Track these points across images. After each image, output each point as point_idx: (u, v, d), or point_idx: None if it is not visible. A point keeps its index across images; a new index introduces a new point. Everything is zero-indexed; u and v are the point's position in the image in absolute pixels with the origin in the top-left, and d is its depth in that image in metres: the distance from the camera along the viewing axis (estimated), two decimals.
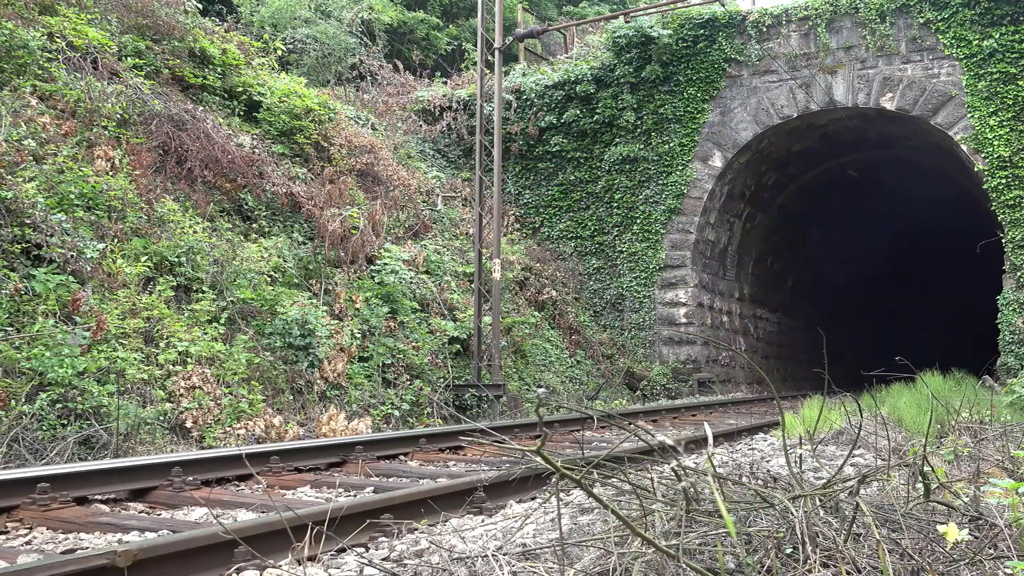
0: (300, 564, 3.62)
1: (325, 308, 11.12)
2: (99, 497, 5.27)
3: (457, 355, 13.18)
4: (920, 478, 3.65)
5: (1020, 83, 15.00)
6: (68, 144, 9.90)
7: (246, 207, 12.31)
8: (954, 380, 11.55)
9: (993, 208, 15.40)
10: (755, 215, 20.43)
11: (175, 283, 9.66)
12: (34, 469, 5.61)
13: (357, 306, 11.82)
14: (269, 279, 10.99)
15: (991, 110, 15.24)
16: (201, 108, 12.93)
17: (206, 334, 9.26)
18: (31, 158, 9.16)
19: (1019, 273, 15.13)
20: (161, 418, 7.93)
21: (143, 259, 9.47)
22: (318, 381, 10.25)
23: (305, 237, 12.62)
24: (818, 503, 3.33)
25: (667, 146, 18.06)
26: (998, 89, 15.19)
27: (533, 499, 5.35)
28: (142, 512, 5.22)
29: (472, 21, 23.43)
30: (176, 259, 9.90)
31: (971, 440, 6.37)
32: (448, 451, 7.93)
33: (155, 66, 12.75)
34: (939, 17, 15.68)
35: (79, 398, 7.32)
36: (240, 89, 14.29)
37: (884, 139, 18.78)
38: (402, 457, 7.47)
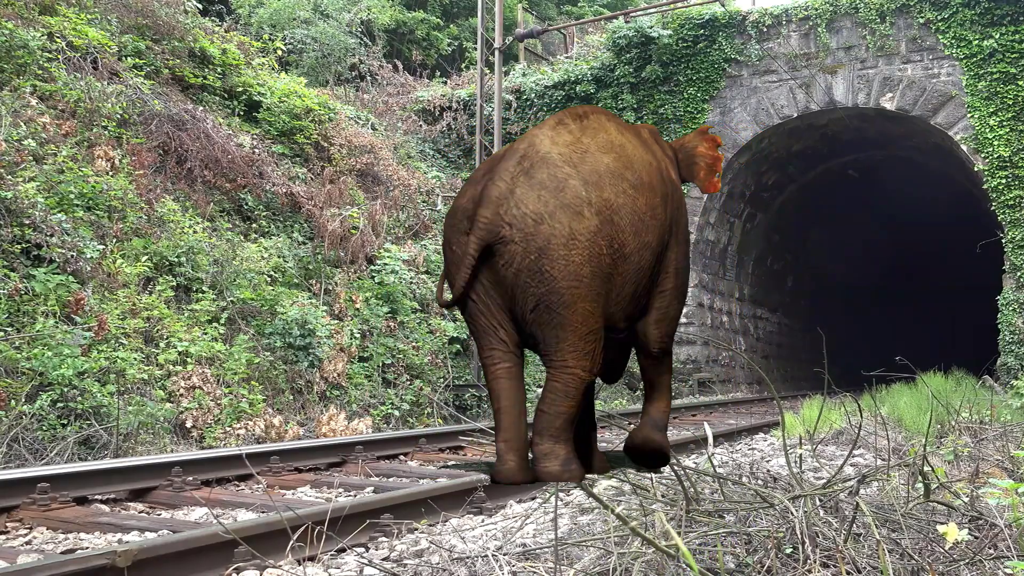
0: (300, 564, 3.62)
1: (325, 308, 11.12)
2: (99, 497, 5.27)
3: (457, 355, 13.17)
4: (920, 478, 3.65)
5: (1020, 83, 14.99)
6: (68, 144, 9.90)
7: (246, 207, 12.31)
8: (954, 380, 11.54)
9: (993, 208, 15.39)
10: (755, 215, 20.42)
11: (175, 283, 9.66)
12: (34, 469, 5.61)
13: (357, 306, 11.82)
14: (269, 279, 10.99)
15: (991, 110, 15.22)
16: (201, 108, 12.93)
17: (206, 334, 9.27)
18: (31, 158, 9.16)
19: (1019, 273, 15.12)
20: (161, 418, 7.93)
21: (143, 259, 9.47)
22: (318, 381, 10.25)
23: (305, 237, 12.62)
24: (818, 503, 3.34)
25: None
26: (998, 89, 15.18)
27: (533, 499, 5.35)
28: (142, 512, 5.22)
29: (472, 21, 23.42)
30: (176, 259, 9.90)
31: (971, 440, 6.37)
32: (448, 451, 7.94)
33: (155, 66, 12.75)
34: (939, 17, 15.67)
35: (79, 398, 7.32)
36: (240, 89, 14.29)
37: (884, 139, 18.77)
38: (402, 457, 7.47)
